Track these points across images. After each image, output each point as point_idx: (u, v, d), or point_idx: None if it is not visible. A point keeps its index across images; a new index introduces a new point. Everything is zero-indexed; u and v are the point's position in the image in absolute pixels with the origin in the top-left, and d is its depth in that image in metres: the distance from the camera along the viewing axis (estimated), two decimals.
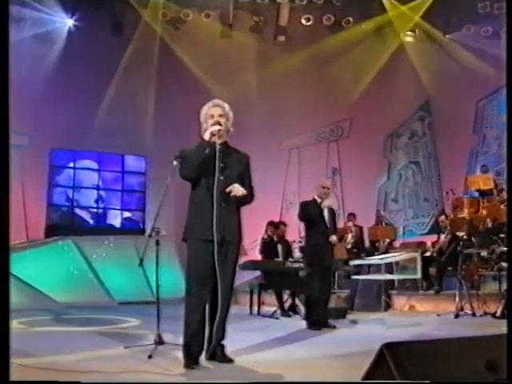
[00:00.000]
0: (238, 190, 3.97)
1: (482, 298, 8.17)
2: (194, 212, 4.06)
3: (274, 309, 8.52)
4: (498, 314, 7.67)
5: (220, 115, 4.08)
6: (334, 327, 6.51)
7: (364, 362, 4.14)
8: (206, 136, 4.00)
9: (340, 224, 12.76)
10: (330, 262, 6.77)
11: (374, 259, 8.48)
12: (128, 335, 5.82)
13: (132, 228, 13.78)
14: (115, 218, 13.96)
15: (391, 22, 14.23)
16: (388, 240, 11.59)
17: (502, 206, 10.17)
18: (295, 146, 14.61)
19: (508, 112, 3.19)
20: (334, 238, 6.56)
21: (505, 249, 8.00)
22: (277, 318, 8.04)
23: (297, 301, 8.34)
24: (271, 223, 12.25)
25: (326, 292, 6.69)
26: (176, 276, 12.87)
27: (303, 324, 6.84)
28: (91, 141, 13.25)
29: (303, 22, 14.03)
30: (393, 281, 9.90)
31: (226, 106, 4.14)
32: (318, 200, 6.71)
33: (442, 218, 10.40)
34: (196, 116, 14.79)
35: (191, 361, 3.80)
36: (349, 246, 11.04)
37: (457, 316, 7.85)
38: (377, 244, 11.58)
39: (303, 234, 11.95)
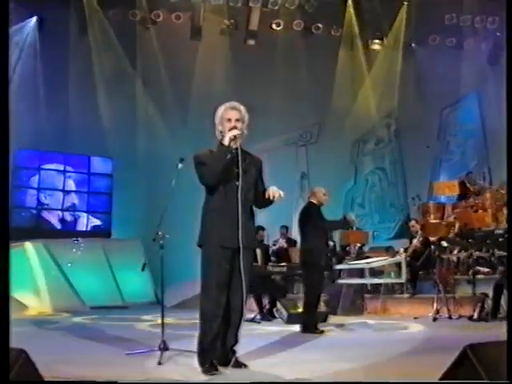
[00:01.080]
0: (276, 192, 3.97)
1: (458, 301, 8.36)
2: (212, 218, 3.97)
3: (254, 313, 8.51)
4: (475, 316, 7.89)
5: (237, 119, 4.02)
6: (322, 331, 6.54)
7: (371, 364, 4.16)
8: (226, 141, 3.92)
9: None
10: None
11: (361, 263, 8.58)
12: (121, 341, 5.66)
13: (98, 231, 13.50)
14: (81, 221, 13.64)
15: (360, 30, 14.44)
16: (358, 244, 11.71)
17: (472, 212, 10.45)
18: (264, 150, 14.49)
19: (508, 111, 3.23)
20: (331, 243, 6.67)
21: (479, 253, 8.22)
22: (258, 323, 8.01)
23: (279, 305, 8.31)
24: None
25: (320, 295, 6.76)
26: (144, 280, 12.69)
27: (289, 328, 6.85)
28: (57, 141, 12.93)
29: (273, 26, 14.09)
30: (364, 285, 10.03)
31: (243, 108, 4.08)
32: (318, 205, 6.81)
33: (413, 222, 10.59)
34: (164, 117, 14.50)
35: (211, 367, 3.73)
36: None
37: (435, 319, 8.01)
38: (348, 248, 11.68)
39: (276, 237, 12.02)
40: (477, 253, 8.27)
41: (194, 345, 3.89)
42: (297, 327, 6.74)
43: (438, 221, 10.50)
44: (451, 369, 1.93)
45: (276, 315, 8.34)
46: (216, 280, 3.84)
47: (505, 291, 7.91)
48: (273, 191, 3.98)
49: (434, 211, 12.12)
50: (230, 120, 4.01)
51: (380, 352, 4.80)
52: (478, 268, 8.54)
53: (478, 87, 14.31)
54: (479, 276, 8.48)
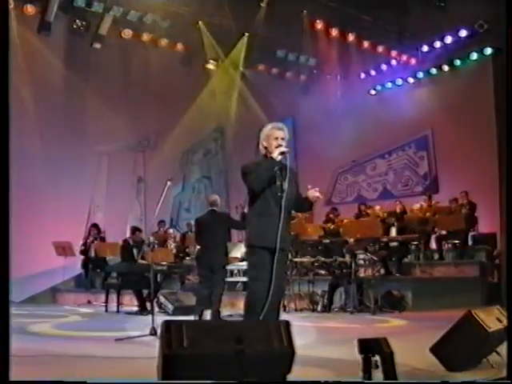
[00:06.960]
0: (316, 193, 4.60)
1: (303, 297, 10.24)
2: (260, 222, 4.49)
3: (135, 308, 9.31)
4: (319, 309, 9.85)
5: (282, 138, 4.60)
6: None
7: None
8: (275, 155, 4.51)
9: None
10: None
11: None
12: None
13: None
14: None
15: (199, 50, 15.69)
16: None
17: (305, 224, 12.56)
18: (105, 152, 14.98)
19: (508, 112, 3.55)
20: None
21: (324, 259, 10.17)
22: (146, 315, 8.71)
23: (162, 299, 9.18)
24: (94, 225, 12.71)
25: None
26: None
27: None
28: None
29: (123, 35, 14.60)
30: None
31: (286, 128, 4.69)
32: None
33: None
34: None
35: None
36: (174, 251, 12.15)
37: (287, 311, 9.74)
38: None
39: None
40: (322, 258, 10.21)
41: None
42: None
43: None
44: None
45: (156, 308, 9.19)
46: (264, 278, 4.35)
47: (341, 289, 10.04)
48: (313, 194, 4.58)
49: None
50: (277, 138, 4.60)
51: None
52: (317, 270, 10.50)
53: (293, 113, 16.67)
54: (318, 277, 10.45)
